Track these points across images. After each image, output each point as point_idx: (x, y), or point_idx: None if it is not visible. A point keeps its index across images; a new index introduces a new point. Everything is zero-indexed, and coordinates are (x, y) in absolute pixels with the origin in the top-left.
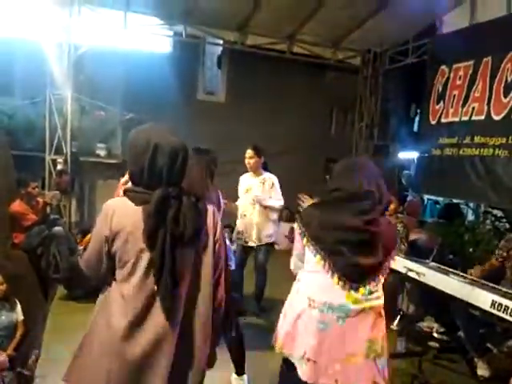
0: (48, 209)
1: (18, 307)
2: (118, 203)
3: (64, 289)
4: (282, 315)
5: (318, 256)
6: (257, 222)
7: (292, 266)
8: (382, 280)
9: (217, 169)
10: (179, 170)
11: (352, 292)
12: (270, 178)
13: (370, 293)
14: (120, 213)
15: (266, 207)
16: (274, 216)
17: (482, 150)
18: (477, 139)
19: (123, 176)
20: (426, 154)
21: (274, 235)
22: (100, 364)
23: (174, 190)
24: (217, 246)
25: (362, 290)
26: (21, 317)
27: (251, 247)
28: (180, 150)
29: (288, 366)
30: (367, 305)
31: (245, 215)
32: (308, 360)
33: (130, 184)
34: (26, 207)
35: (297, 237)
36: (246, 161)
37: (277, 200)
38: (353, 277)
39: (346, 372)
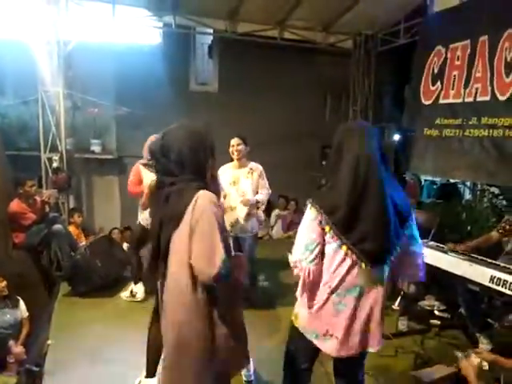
0: (46, 207)
1: (21, 304)
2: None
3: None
4: (300, 299)
5: (344, 247)
6: (244, 214)
7: (295, 258)
8: None
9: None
10: None
11: (372, 273)
12: (258, 167)
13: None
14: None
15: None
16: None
17: (491, 131)
18: (484, 120)
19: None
20: (419, 135)
21: (257, 226)
22: None
23: None
24: None
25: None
26: (25, 314)
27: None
28: None
29: (300, 336)
30: (379, 279)
31: (235, 207)
32: (331, 336)
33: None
34: (24, 206)
35: (311, 225)
36: (234, 149)
37: (265, 191)
38: (378, 259)
39: (362, 341)
